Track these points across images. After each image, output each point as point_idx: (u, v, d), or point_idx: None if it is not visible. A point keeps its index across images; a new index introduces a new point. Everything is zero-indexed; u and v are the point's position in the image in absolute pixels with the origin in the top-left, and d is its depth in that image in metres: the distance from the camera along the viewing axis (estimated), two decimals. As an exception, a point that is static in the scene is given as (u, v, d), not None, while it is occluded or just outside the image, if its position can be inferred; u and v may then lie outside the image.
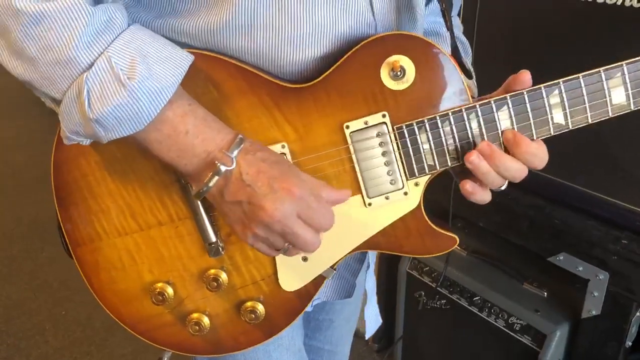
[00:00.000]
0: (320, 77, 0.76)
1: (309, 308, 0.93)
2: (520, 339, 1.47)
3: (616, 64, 0.77)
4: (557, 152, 1.42)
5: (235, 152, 0.69)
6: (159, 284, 0.82)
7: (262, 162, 0.70)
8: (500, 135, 0.78)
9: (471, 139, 0.78)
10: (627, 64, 0.77)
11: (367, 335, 1.00)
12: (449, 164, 0.79)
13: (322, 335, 1.12)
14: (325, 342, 1.13)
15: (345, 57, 0.75)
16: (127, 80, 0.64)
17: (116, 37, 0.65)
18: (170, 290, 0.83)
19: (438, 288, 1.64)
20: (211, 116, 0.72)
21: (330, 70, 0.76)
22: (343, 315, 1.10)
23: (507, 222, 1.49)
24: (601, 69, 0.77)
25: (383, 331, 2.01)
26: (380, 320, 1.03)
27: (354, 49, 0.75)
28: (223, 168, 0.68)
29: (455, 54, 0.80)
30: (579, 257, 1.34)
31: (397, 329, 1.82)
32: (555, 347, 1.40)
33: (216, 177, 0.69)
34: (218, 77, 0.75)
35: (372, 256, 0.95)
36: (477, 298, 1.57)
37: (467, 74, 0.80)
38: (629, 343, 1.33)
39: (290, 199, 0.69)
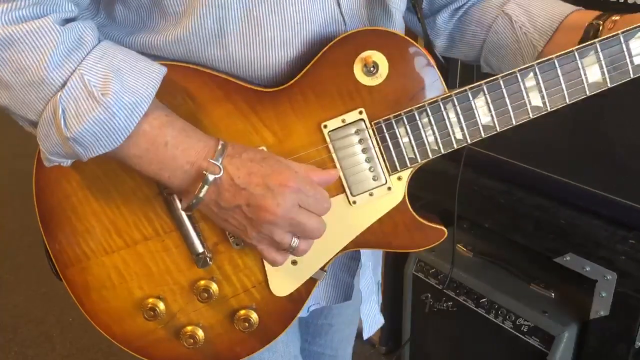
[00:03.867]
0: (295, 79, 0.76)
1: (304, 313, 0.92)
2: (528, 340, 1.44)
3: (588, 43, 0.77)
4: (563, 151, 1.43)
5: (221, 159, 0.69)
6: (150, 300, 0.82)
7: (250, 162, 0.70)
8: (479, 122, 0.78)
9: (450, 129, 0.78)
10: (599, 42, 0.76)
11: (365, 336, 0.98)
12: (430, 155, 0.79)
13: (322, 340, 1.10)
14: (325, 347, 1.11)
15: (317, 56, 0.76)
16: (101, 96, 0.64)
17: (87, 54, 0.66)
18: (161, 305, 0.82)
19: (444, 290, 1.62)
20: (190, 126, 0.72)
21: (304, 71, 0.76)
22: (342, 319, 1.09)
23: (513, 222, 1.48)
24: (574, 48, 0.77)
25: (390, 334, 1.99)
26: (382, 321, 1.01)
27: (325, 48, 0.76)
28: (212, 177, 0.68)
29: (428, 45, 0.80)
30: (586, 257, 1.32)
31: (404, 332, 1.80)
32: (563, 348, 1.38)
33: (206, 187, 0.69)
34: (192, 88, 0.76)
35: (366, 255, 0.93)
36: (484, 300, 1.54)
37: (441, 64, 0.80)
38: (638, 344, 1.30)
39: (289, 192, 0.69)
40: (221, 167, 0.68)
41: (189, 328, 0.83)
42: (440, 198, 1.64)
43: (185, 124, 0.71)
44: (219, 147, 0.70)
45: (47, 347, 2.27)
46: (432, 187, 1.64)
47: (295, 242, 0.72)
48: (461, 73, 1.59)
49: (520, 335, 1.46)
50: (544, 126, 1.43)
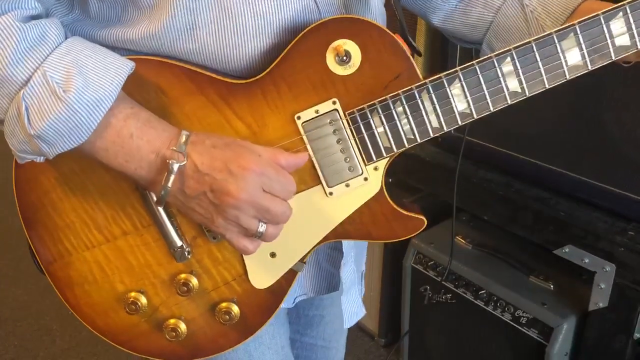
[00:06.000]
0: (267, 70, 0.76)
1: (289, 304, 0.92)
2: (527, 332, 1.44)
3: (568, 25, 0.75)
4: (562, 143, 1.42)
5: (184, 147, 0.69)
6: (132, 294, 0.82)
7: (213, 148, 0.70)
8: (455, 109, 0.77)
9: (425, 117, 0.77)
10: (578, 23, 0.75)
11: (345, 326, 0.98)
12: (406, 144, 0.78)
13: (314, 331, 1.10)
14: (317, 338, 1.11)
15: (289, 47, 0.75)
16: (62, 93, 0.64)
17: (52, 51, 0.66)
18: (143, 299, 0.82)
19: (443, 282, 1.61)
20: (155, 118, 0.72)
21: (276, 62, 0.76)
22: (334, 310, 1.08)
23: (512, 214, 1.47)
24: (552, 31, 0.75)
25: (389, 326, 2.00)
26: (364, 311, 1.01)
27: (296, 38, 0.75)
28: (176, 165, 0.68)
29: (402, 32, 0.79)
30: (585, 249, 1.32)
31: (403, 324, 1.79)
32: (562, 340, 1.38)
33: (172, 176, 0.68)
34: (165, 81, 0.76)
35: (348, 245, 0.93)
36: (482, 292, 1.54)
37: (416, 52, 0.80)
38: (637, 335, 1.30)
39: (251, 176, 0.69)
40: (185, 154, 0.68)
41: (172, 321, 0.84)
42: (439, 190, 1.63)
43: (151, 116, 0.71)
44: (183, 135, 0.69)
45: (47, 340, 2.29)
46: (431, 179, 1.64)
47: (262, 226, 0.71)
48: (460, 59, 1.58)
49: (519, 327, 1.45)
50: (544, 118, 1.42)
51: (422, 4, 0.97)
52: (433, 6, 0.96)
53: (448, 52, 1.62)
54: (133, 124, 0.69)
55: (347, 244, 0.93)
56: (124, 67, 0.69)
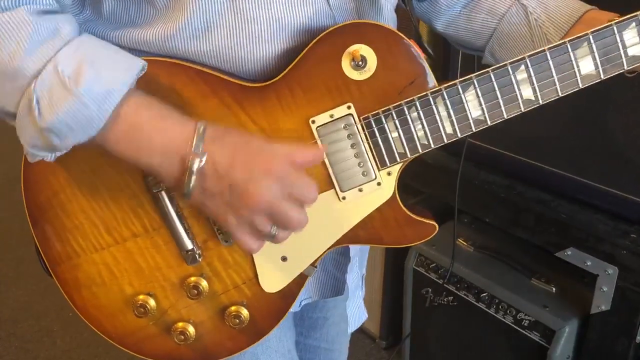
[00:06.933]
0: (282, 74, 0.76)
1: (296, 308, 0.92)
2: (529, 335, 1.44)
3: (581, 34, 0.76)
4: (564, 145, 1.42)
5: (201, 145, 0.67)
6: (141, 296, 0.82)
7: (234, 145, 0.68)
8: (469, 116, 0.77)
9: (440, 123, 0.77)
10: (592, 33, 0.75)
11: (350, 330, 0.98)
12: (420, 150, 0.78)
13: (317, 333, 1.10)
14: (321, 340, 1.11)
15: (304, 51, 0.75)
16: (73, 86, 0.64)
17: (64, 45, 0.65)
18: (152, 302, 0.82)
19: (445, 285, 1.61)
20: (167, 109, 0.70)
21: (291, 65, 0.75)
22: (337, 312, 1.08)
23: (514, 217, 1.47)
24: (566, 40, 0.75)
25: (390, 329, 2.00)
26: (366, 315, 1.01)
27: (312, 42, 0.75)
28: (195, 165, 0.66)
29: (417, 37, 0.79)
30: (588, 252, 1.32)
31: (404, 327, 1.80)
32: (564, 343, 1.38)
33: (194, 177, 0.67)
34: (179, 83, 0.75)
35: (353, 250, 0.93)
36: (484, 294, 1.54)
37: (430, 57, 0.79)
38: (639, 338, 1.30)
39: (272, 178, 0.67)
40: (204, 153, 0.67)
41: (180, 324, 0.83)
42: (441, 192, 1.64)
43: (163, 108, 0.69)
44: (200, 130, 0.67)
45: (48, 342, 2.27)
46: (433, 181, 1.64)
47: (274, 230, 0.70)
48: (462, 64, 1.58)
49: (520, 329, 1.45)
50: (546, 120, 1.43)
51: (426, 9, 0.97)
52: (437, 11, 0.96)
53: (450, 55, 1.62)
54: (144, 114, 0.68)
55: (353, 249, 0.93)
56: (135, 64, 0.68)
